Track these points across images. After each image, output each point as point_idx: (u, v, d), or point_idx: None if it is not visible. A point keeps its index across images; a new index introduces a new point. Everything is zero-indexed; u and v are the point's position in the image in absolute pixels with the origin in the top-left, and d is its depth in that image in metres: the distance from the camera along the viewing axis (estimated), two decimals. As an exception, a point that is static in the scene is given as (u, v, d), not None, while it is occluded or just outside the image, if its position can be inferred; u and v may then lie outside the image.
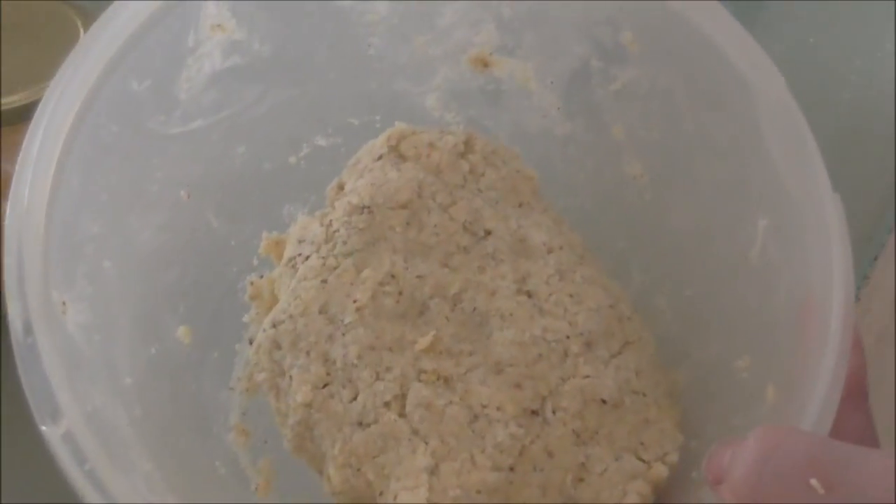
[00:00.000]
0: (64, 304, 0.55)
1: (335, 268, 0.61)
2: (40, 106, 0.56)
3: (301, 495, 0.66)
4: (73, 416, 0.50)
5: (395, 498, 0.56)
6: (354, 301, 0.60)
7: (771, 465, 0.46)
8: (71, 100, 0.57)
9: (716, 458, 0.50)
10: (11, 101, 0.76)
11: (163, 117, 0.63)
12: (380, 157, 0.65)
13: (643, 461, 0.58)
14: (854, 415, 0.55)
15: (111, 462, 0.51)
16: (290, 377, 0.60)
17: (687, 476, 0.58)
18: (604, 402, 0.58)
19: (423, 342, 0.59)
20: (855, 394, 0.56)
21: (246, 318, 0.68)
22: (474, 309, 0.60)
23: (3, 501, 0.69)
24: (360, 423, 0.58)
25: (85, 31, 0.76)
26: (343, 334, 0.59)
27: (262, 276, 0.69)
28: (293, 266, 0.63)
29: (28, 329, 0.52)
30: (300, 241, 0.64)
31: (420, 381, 0.58)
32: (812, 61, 0.96)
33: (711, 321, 0.64)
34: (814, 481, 0.44)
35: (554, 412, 0.58)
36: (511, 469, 0.56)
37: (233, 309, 0.69)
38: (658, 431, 0.59)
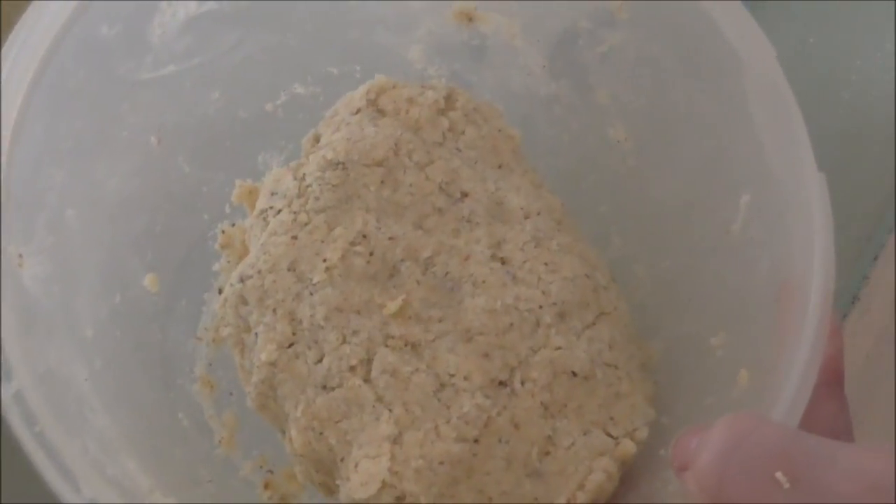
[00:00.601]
0: (20, 256, 0.54)
1: (306, 224, 0.60)
2: (3, 50, 0.54)
3: (265, 450, 0.66)
4: (25, 376, 0.50)
5: (357, 466, 0.56)
6: (324, 260, 0.59)
7: (737, 455, 0.45)
8: (35, 45, 0.55)
9: (682, 444, 0.49)
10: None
11: (133, 63, 0.61)
12: (357, 111, 0.63)
13: (611, 437, 0.57)
14: (828, 402, 0.55)
15: (62, 423, 0.51)
16: (256, 334, 0.59)
17: (655, 453, 0.57)
18: (574, 374, 0.57)
19: (392, 306, 0.58)
20: (831, 380, 0.55)
21: (216, 267, 0.68)
22: (446, 274, 0.59)
23: (3, 501, 0.68)
24: (324, 387, 0.57)
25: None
26: (311, 294, 0.58)
27: (233, 225, 0.68)
28: (264, 219, 0.62)
29: None
30: (273, 194, 0.63)
31: (387, 346, 0.57)
32: (812, 61, 0.95)
33: (689, 295, 0.63)
34: (779, 474, 0.43)
35: (522, 383, 0.57)
36: (476, 441, 0.55)
37: (203, 257, 0.68)
38: (629, 406, 0.59)
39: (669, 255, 0.65)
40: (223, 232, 0.68)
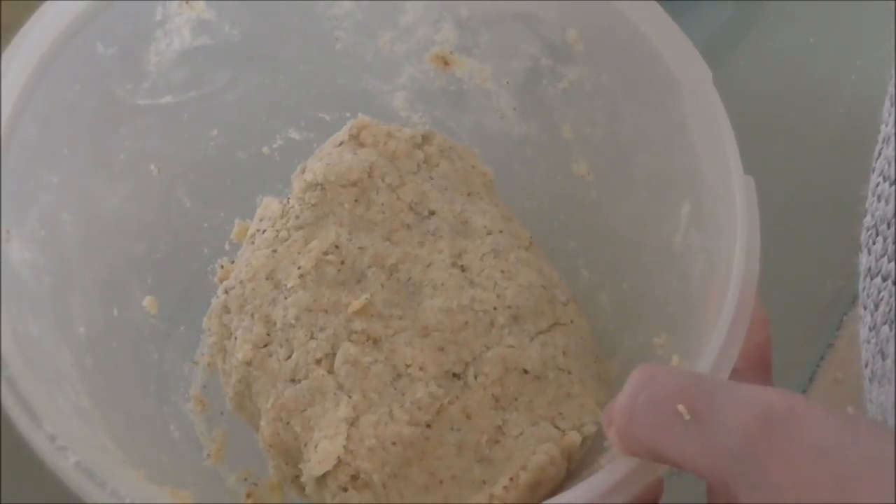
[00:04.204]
0: (9, 231, 0.57)
1: (286, 239, 0.65)
2: (4, 56, 0.59)
3: (251, 464, 0.69)
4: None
5: (316, 447, 0.59)
6: (299, 268, 0.63)
7: (643, 394, 0.48)
8: (31, 50, 0.59)
9: (610, 404, 0.52)
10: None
11: (130, 86, 0.66)
12: (340, 144, 0.68)
13: (559, 429, 0.60)
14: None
15: (35, 377, 0.53)
16: (235, 338, 0.64)
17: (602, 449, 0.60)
18: (526, 372, 0.61)
19: (356, 304, 0.62)
20: (758, 366, 0.58)
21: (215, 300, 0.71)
22: (409, 278, 0.63)
23: (3, 501, 0.71)
24: (292, 380, 0.61)
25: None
26: (285, 298, 0.63)
27: (233, 262, 0.71)
28: (252, 241, 0.67)
29: None
30: (261, 219, 0.68)
31: (350, 340, 0.61)
32: (812, 61, 0.97)
33: (642, 310, 0.66)
34: (681, 407, 0.46)
35: (475, 377, 0.60)
36: (428, 426, 0.59)
37: (203, 288, 0.72)
38: (579, 405, 0.61)
39: (626, 278, 0.68)
40: (222, 267, 0.72)
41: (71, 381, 0.59)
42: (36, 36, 0.60)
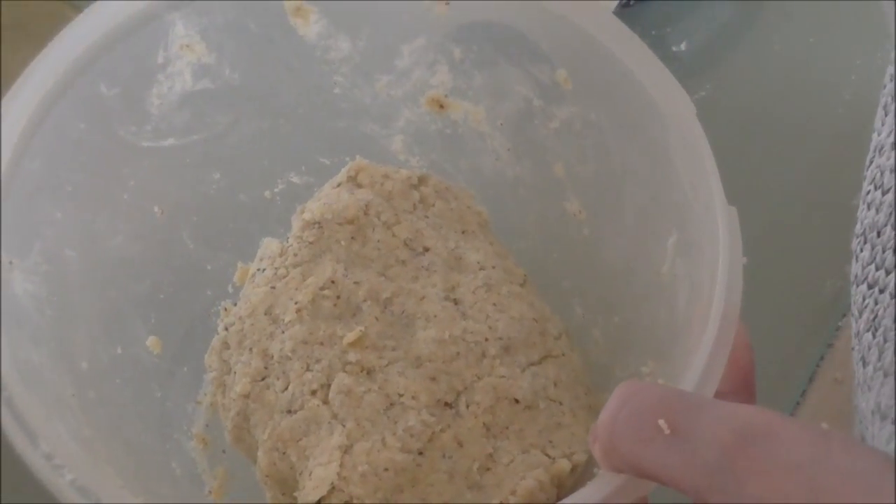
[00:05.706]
0: (11, 262, 0.59)
1: (284, 276, 0.66)
2: (8, 93, 0.60)
3: (252, 499, 0.69)
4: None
5: (311, 474, 0.60)
6: (296, 303, 0.65)
7: (625, 410, 0.49)
8: (36, 87, 0.61)
9: (596, 422, 0.53)
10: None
11: (134, 128, 0.67)
12: (338, 185, 0.70)
13: (549, 457, 0.61)
14: None
15: (32, 398, 0.54)
16: (234, 372, 0.65)
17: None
18: (516, 401, 0.62)
19: (351, 336, 0.63)
20: (742, 390, 0.59)
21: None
22: (403, 311, 0.65)
23: (3, 501, 0.73)
24: (288, 411, 0.62)
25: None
26: (282, 332, 0.64)
27: (236, 304, 0.72)
28: (253, 280, 0.68)
29: None
30: (261, 259, 0.69)
31: (345, 371, 0.62)
32: (812, 61, 0.98)
33: (632, 341, 0.67)
34: (661, 422, 0.47)
35: (467, 406, 0.62)
36: (420, 453, 0.60)
37: (206, 330, 0.73)
38: (569, 434, 0.63)
39: (618, 311, 0.69)
40: (226, 310, 0.74)
41: (72, 410, 0.60)
42: (41, 74, 0.61)
